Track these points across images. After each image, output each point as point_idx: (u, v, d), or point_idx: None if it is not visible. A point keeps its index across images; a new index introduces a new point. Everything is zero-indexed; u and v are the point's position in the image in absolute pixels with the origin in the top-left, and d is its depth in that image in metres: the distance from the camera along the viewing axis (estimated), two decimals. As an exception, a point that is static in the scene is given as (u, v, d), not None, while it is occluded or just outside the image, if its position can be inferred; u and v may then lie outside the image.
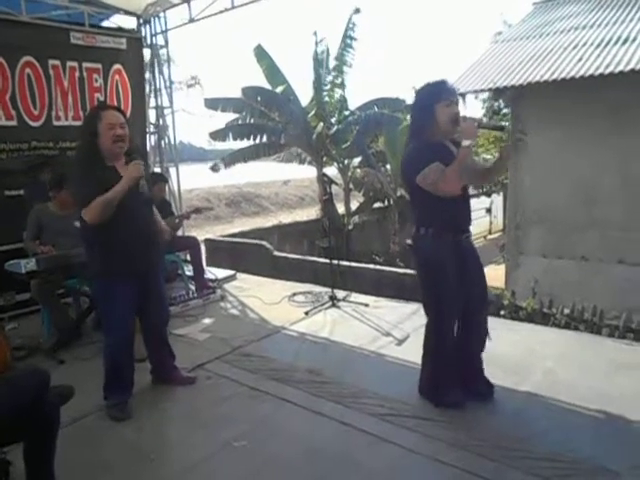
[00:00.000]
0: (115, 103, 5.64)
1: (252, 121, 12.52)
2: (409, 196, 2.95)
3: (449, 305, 2.78)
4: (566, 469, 2.25)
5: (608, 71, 6.02)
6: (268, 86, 12.11)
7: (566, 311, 5.26)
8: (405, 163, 2.82)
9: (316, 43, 12.08)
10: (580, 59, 6.54)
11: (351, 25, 12.15)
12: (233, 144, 13.05)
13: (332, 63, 12.45)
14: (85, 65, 5.43)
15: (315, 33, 12.14)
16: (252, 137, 12.48)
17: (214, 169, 13.08)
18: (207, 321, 4.52)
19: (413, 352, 3.19)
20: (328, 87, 12.38)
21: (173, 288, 5.36)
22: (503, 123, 3.01)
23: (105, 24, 6.04)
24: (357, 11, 12.10)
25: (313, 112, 12.04)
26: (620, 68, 5.95)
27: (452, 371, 2.88)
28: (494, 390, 2.92)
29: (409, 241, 2.90)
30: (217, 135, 12.56)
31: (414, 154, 2.73)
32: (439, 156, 2.63)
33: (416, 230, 2.83)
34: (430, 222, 2.77)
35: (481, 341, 2.91)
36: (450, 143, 2.79)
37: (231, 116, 12.80)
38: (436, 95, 2.70)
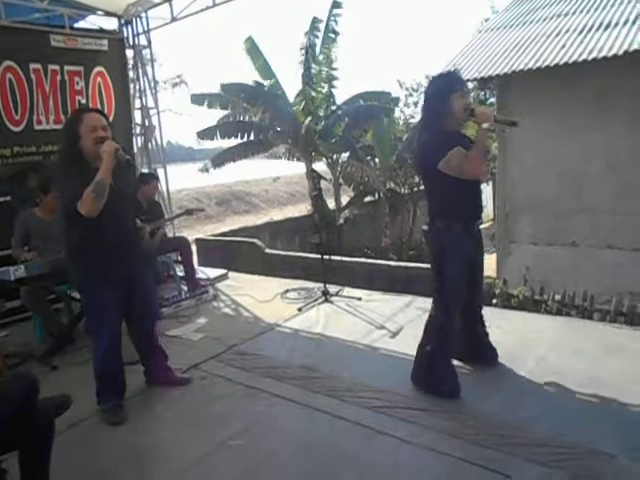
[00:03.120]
0: (98, 105, 5.61)
1: (240, 118, 12.47)
2: (425, 186, 3.04)
3: (459, 294, 2.88)
4: (562, 454, 2.27)
5: (591, 57, 6.03)
6: (251, 82, 12.04)
7: (557, 297, 5.30)
8: (422, 152, 2.87)
9: (310, 40, 11.97)
10: (563, 46, 6.55)
11: (332, 19, 12.05)
12: (222, 142, 13.01)
13: (318, 57, 12.34)
14: (67, 68, 5.37)
15: (315, 20, 11.93)
16: (240, 135, 12.43)
17: (204, 170, 13.01)
18: (200, 321, 4.50)
19: (407, 344, 3.21)
20: (315, 81, 12.31)
21: (165, 289, 5.33)
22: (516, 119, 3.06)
23: (82, 24, 5.95)
24: (337, 5, 11.98)
25: (301, 107, 11.98)
26: (603, 54, 5.96)
27: (450, 360, 2.94)
28: (497, 356, 3.15)
29: (425, 227, 2.98)
30: (205, 134, 12.49)
31: (432, 142, 2.77)
32: (456, 143, 2.69)
33: (431, 220, 2.89)
34: (447, 211, 2.83)
35: (479, 312, 3.17)
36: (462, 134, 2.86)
37: (218, 113, 12.74)
38: (451, 85, 2.78)
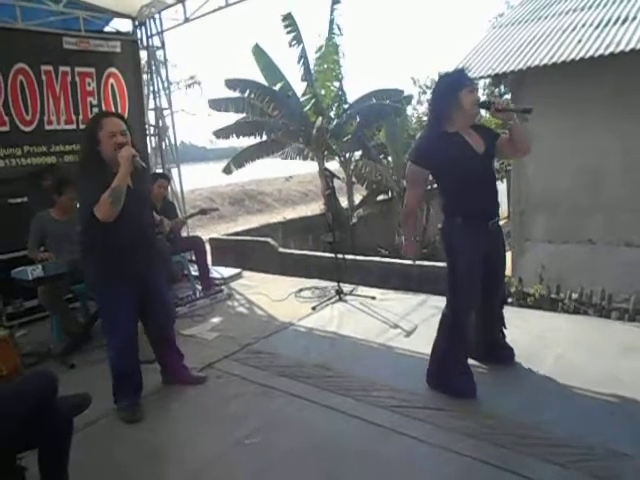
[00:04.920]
0: (111, 106, 5.67)
1: (256, 118, 12.48)
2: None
3: (471, 292, 2.84)
4: (580, 454, 2.24)
5: (608, 52, 5.94)
6: (258, 80, 12.06)
7: (574, 296, 5.24)
8: (411, 152, 2.94)
9: (296, 34, 11.86)
10: (579, 41, 6.46)
11: (334, 16, 11.97)
12: (235, 142, 13.04)
13: (324, 54, 12.24)
14: (77, 70, 5.41)
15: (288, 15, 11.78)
16: (255, 135, 12.46)
17: (227, 171, 13.04)
18: (215, 320, 4.53)
19: (422, 343, 3.19)
20: (322, 79, 12.24)
21: (180, 289, 5.37)
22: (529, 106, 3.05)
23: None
24: (337, 1, 11.90)
25: (309, 105, 11.94)
26: (620, 48, 5.87)
27: (465, 359, 2.91)
28: (514, 355, 3.13)
29: (439, 225, 2.99)
30: (220, 133, 12.57)
31: (423, 144, 2.81)
32: (446, 148, 2.68)
33: (445, 217, 2.90)
34: (456, 209, 2.82)
35: (500, 311, 3.14)
36: (469, 130, 2.82)
37: (234, 116, 12.79)
38: (459, 82, 2.77)
